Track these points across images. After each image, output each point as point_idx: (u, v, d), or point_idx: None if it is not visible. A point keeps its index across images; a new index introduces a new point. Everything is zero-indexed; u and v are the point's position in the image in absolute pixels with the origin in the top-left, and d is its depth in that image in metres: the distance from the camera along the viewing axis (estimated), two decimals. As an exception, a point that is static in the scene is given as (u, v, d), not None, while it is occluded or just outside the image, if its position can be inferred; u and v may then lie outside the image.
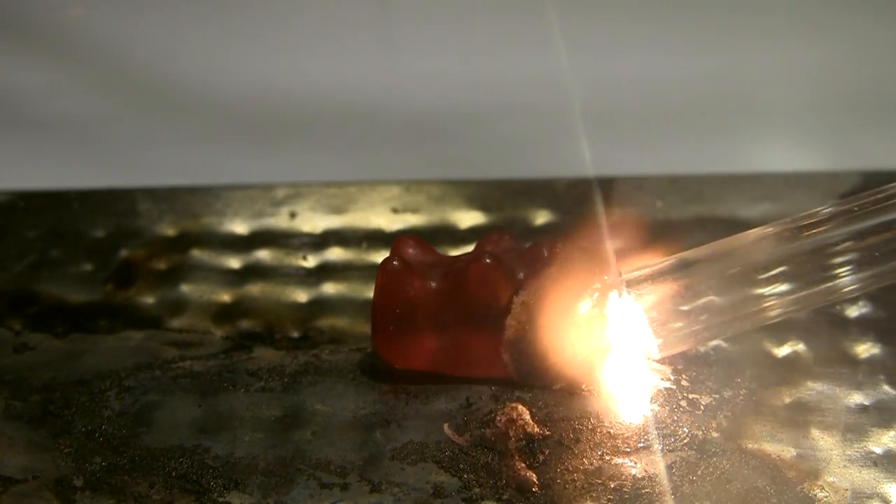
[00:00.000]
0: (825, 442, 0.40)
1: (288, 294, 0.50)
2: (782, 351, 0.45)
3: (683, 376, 0.43)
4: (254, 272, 0.51)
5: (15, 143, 0.69)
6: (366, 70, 0.71)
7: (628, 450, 0.40)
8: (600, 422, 0.41)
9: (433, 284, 0.42)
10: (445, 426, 0.40)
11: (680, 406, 0.42)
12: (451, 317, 0.41)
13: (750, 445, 0.40)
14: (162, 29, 0.72)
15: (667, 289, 0.41)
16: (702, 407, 0.42)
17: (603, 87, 0.70)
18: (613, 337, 0.42)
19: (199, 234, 0.54)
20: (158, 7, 0.72)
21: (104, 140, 0.71)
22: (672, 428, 0.41)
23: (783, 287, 0.41)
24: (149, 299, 0.50)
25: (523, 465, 0.38)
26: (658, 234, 0.52)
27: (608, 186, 0.55)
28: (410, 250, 0.43)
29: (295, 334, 0.47)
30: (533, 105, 0.70)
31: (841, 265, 0.41)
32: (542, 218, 0.55)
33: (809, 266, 0.41)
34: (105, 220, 0.55)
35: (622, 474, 0.39)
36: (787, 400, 0.42)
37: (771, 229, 0.41)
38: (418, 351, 0.42)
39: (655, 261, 0.42)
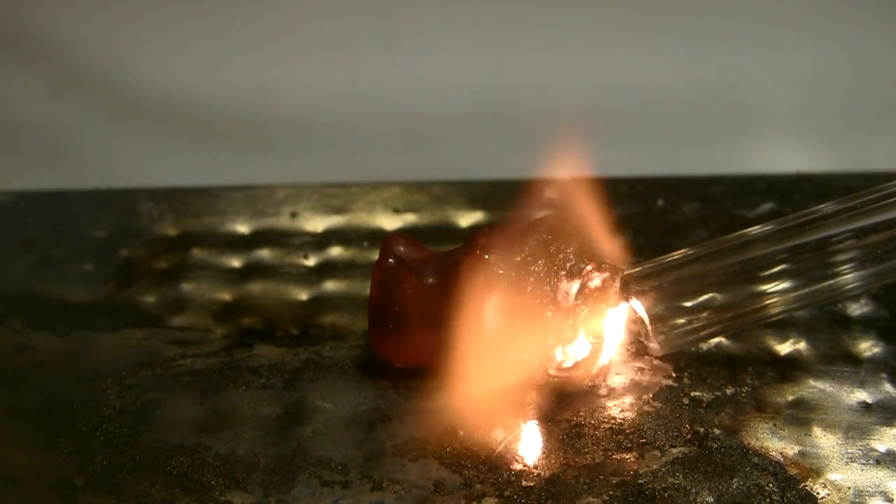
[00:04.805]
0: (827, 440, 0.40)
1: (289, 292, 0.50)
2: (784, 349, 0.45)
3: (685, 374, 0.43)
4: (255, 271, 0.51)
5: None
6: (366, 76, 0.72)
7: (630, 446, 0.40)
8: (602, 418, 0.41)
9: (430, 280, 0.41)
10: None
11: (682, 403, 0.42)
12: (448, 311, 0.41)
13: (752, 443, 0.40)
14: (164, 36, 0.72)
15: (668, 285, 0.41)
16: (704, 404, 0.42)
17: (605, 90, 0.70)
18: (615, 334, 0.42)
19: (200, 234, 0.54)
20: (163, 13, 0.72)
21: (113, 147, 0.71)
22: (674, 424, 0.41)
23: (785, 284, 0.41)
24: (149, 298, 0.49)
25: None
26: (660, 232, 0.52)
27: (610, 186, 0.55)
28: (401, 248, 0.43)
29: (295, 332, 0.47)
30: (534, 108, 0.70)
31: (843, 263, 0.41)
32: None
33: (811, 263, 0.41)
34: (106, 220, 0.55)
35: (624, 470, 0.39)
36: (790, 397, 0.42)
37: (773, 227, 0.41)
38: (418, 348, 0.42)
39: (657, 258, 0.42)
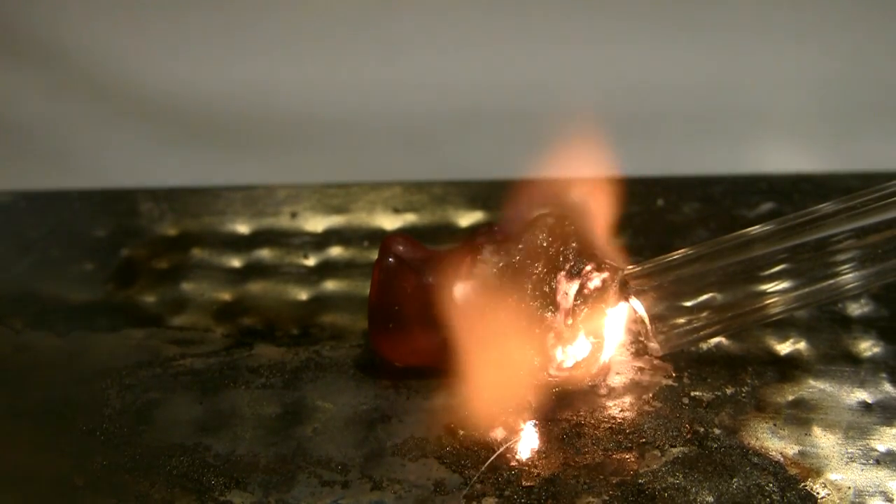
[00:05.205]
0: (827, 440, 0.40)
1: (289, 292, 0.50)
2: (784, 348, 0.45)
3: (685, 374, 0.43)
4: (255, 271, 0.51)
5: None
6: (366, 76, 0.72)
7: (630, 446, 0.40)
8: (602, 418, 0.41)
9: (430, 280, 0.41)
10: None
11: (682, 403, 0.42)
12: (448, 311, 0.41)
13: (752, 442, 0.40)
14: (164, 36, 0.72)
15: (668, 285, 0.41)
16: (704, 404, 0.42)
17: (605, 90, 0.70)
18: (615, 334, 0.42)
19: (200, 234, 0.54)
20: (163, 12, 0.72)
21: (113, 147, 0.71)
22: (674, 424, 0.41)
23: (785, 284, 0.41)
24: (149, 298, 0.49)
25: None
26: (660, 232, 0.52)
27: (610, 186, 0.55)
28: (401, 248, 0.43)
29: (295, 331, 0.47)
30: (534, 108, 0.70)
31: (843, 263, 0.41)
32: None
33: (811, 263, 0.41)
34: (106, 220, 0.55)
35: (624, 470, 0.39)
36: (790, 397, 0.42)
37: (773, 227, 0.41)
38: (419, 347, 0.42)
39: (657, 258, 0.42)
